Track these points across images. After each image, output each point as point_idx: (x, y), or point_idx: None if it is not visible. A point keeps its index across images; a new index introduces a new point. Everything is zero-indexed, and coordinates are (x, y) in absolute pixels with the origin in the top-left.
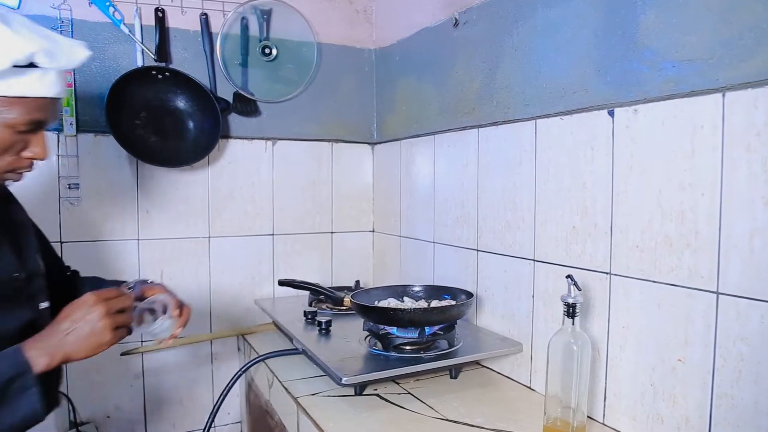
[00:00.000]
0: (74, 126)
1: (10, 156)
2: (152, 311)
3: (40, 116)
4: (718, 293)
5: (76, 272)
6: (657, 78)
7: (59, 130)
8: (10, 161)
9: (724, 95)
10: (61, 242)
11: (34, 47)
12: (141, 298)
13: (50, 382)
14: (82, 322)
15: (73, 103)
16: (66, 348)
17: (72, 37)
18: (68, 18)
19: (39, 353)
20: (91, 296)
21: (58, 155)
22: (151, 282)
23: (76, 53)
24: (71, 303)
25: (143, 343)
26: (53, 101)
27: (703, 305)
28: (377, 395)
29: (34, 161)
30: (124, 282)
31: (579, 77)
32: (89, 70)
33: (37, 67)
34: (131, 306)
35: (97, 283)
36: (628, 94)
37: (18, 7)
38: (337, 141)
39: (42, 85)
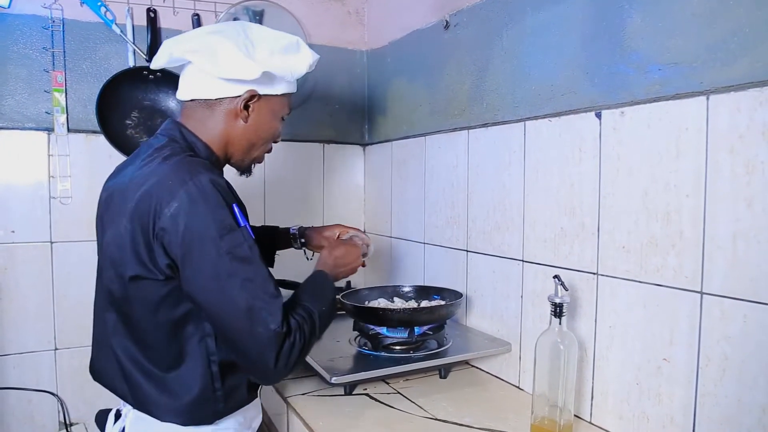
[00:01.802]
0: (65, 126)
1: (269, 143)
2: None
3: (290, 108)
4: (702, 293)
5: None
6: (643, 81)
7: (50, 129)
8: (269, 145)
9: (708, 98)
10: (51, 242)
11: (315, 57)
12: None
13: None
14: (350, 262)
15: (64, 102)
16: (338, 276)
17: (63, 36)
18: (59, 18)
19: (333, 278)
20: (354, 247)
21: (49, 154)
22: (317, 226)
23: None
24: (341, 244)
25: None
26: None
27: (687, 305)
28: (367, 395)
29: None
30: (287, 227)
31: (567, 79)
32: (80, 70)
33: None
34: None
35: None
36: (615, 96)
37: (8, 6)
38: (328, 142)
39: (296, 86)
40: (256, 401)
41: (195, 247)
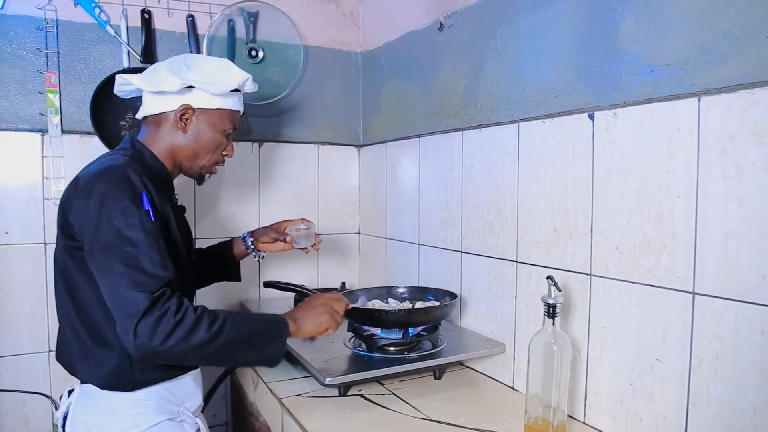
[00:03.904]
0: (59, 127)
1: (217, 153)
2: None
3: (236, 125)
4: (694, 293)
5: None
6: (636, 82)
7: (44, 130)
8: (216, 157)
9: (699, 100)
10: (45, 243)
11: (246, 76)
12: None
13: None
14: (323, 318)
15: (58, 104)
16: (304, 330)
17: (57, 37)
18: (53, 19)
19: (292, 324)
20: (341, 304)
21: (43, 156)
22: (260, 228)
23: (253, 84)
24: (325, 296)
25: None
26: (240, 115)
27: (680, 305)
28: (361, 396)
29: (225, 159)
30: (236, 237)
31: (561, 81)
32: (74, 71)
33: (238, 91)
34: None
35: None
36: (608, 97)
37: (2, 7)
38: (323, 143)
39: (239, 103)
40: (188, 381)
41: (92, 222)
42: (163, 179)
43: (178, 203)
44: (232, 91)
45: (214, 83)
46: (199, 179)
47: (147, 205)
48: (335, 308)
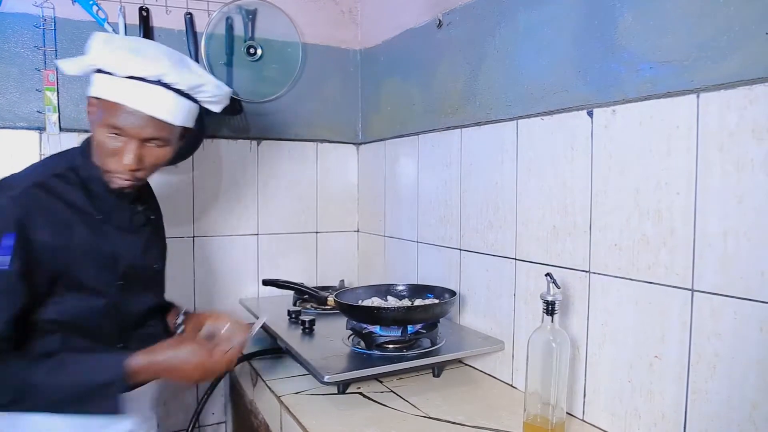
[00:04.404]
0: (57, 125)
1: (109, 158)
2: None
3: (116, 122)
4: (693, 290)
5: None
6: (634, 79)
7: (42, 128)
8: (112, 163)
9: (698, 96)
10: None
11: (103, 53)
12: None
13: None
14: (187, 368)
15: (56, 101)
16: (160, 375)
17: (55, 35)
18: (51, 16)
19: (141, 370)
20: (207, 355)
21: (41, 154)
22: (195, 313)
23: (146, 65)
24: (191, 342)
25: None
26: (129, 111)
27: (678, 302)
28: (360, 393)
29: (132, 171)
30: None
31: (559, 78)
32: None
33: (134, 78)
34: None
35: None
36: (607, 94)
37: None
38: (322, 141)
39: (110, 89)
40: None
41: None
42: (101, 191)
43: (145, 213)
44: (108, 74)
45: (89, 63)
46: (115, 192)
47: (6, 252)
48: (196, 363)
